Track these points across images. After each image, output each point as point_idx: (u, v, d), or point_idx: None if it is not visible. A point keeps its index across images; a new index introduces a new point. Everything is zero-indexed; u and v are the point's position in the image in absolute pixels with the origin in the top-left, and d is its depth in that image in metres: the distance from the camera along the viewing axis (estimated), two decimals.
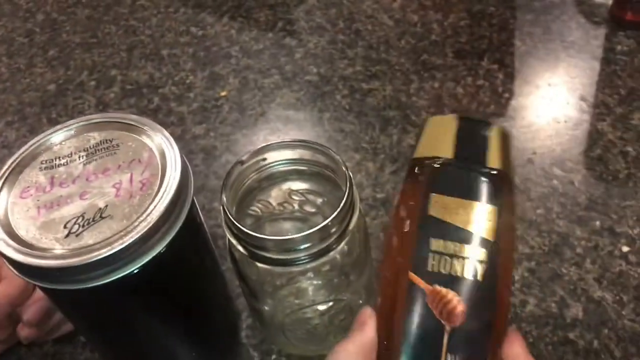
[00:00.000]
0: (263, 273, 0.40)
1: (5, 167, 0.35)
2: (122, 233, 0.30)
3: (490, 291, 0.35)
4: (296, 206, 0.42)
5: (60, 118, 0.69)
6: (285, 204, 0.43)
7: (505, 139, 0.35)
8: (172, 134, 0.36)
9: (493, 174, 0.34)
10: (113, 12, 0.82)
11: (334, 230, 0.36)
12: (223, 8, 0.81)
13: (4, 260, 0.32)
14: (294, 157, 0.41)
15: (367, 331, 0.33)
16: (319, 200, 0.42)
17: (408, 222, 0.36)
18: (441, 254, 0.35)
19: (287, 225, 0.42)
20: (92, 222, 0.31)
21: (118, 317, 0.37)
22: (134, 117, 0.37)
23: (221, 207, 0.37)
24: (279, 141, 0.41)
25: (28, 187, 0.34)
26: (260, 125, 0.65)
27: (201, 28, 0.78)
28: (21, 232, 0.31)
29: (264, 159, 0.41)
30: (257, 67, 0.72)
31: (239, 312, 0.49)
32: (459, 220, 0.35)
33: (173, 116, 0.67)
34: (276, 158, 0.41)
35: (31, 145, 0.36)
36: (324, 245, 0.36)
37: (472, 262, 0.35)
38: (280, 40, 0.75)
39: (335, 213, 0.36)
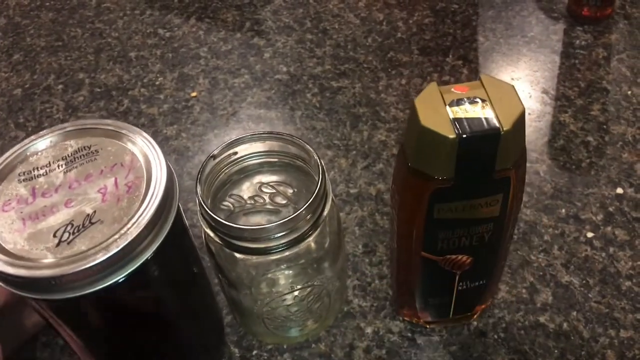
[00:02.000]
0: (240, 263, 0.41)
1: None
2: (116, 236, 0.30)
3: (494, 246, 0.39)
4: (267, 199, 0.43)
5: (28, 122, 0.68)
6: (256, 197, 0.44)
7: (519, 128, 0.33)
8: None
9: (501, 177, 0.35)
10: (78, 15, 0.82)
11: (308, 217, 0.37)
12: (190, 9, 0.81)
13: None
14: (265, 149, 0.42)
15: None
16: (290, 192, 0.43)
17: (415, 220, 0.38)
18: (449, 238, 0.37)
19: (259, 218, 0.43)
20: (82, 229, 0.31)
21: (111, 322, 0.36)
22: (109, 121, 0.37)
23: (197, 199, 0.38)
24: (250, 134, 0.41)
25: (9, 200, 0.33)
26: (232, 124, 0.66)
27: (168, 30, 0.78)
28: (9, 246, 0.31)
29: (235, 153, 0.42)
30: (227, 68, 0.72)
31: (221, 309, 0.50)
32: (465, 214, 0.36)
33: (144, 118, 0.67)
34: (247, 151, 0.42)
35: (6, 158, 0.35)
36: (298, 233, 0.37)
37: (479, 234, 0.38)
38: (249, 40, 0.76)
39: (310, 201, 0.37)
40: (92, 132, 0.36)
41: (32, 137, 0.36)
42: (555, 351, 0.47)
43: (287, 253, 0.39)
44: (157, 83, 0.71)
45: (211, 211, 0.37)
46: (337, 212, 0.43)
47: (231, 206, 0.43)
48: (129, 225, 0.31)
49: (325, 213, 0.39)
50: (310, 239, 0.39)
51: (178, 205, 0.35)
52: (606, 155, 0.59)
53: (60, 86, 0.72)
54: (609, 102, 0.64)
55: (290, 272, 0.42)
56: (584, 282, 0.50)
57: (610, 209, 0.55)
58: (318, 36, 0.75)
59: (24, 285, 0.30)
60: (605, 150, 0.60)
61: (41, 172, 0.34)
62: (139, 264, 0.31)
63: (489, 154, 0.33)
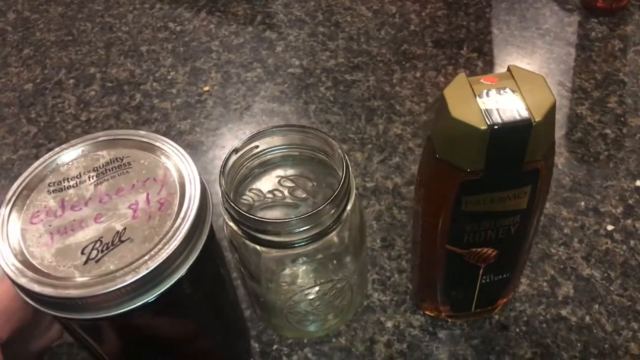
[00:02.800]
0: (263, 257, 0.41)
1: (12, 191, 0.33)
2: (146, 257, 0.29)
3: (519, 239, 0.39)
4: (286, 193, 0.43)
5: (40, 117, 0.68)
6: (276, 191, 0.43)
7: (549, 119, 0.33)
8: (156, 131, 0.35)
9: (530, 169, 0.34)
10: (87, 10, 0.81)
11: (332, 212, 0.36)
12: (199, 3, 0.80)
13: (19, 290, 0.30)
14: (286, 142, 0.42)
15: None
16: (310, 185, 0.43)
17: (441, 213, 0.37)
18: (475, 231, 0.37)
19: (277, 212, 0.43)
20: (112, 247, 0.30)
21: (138, 340, 0.35)
22: (143, 132, 0.35)
23: (220, 193, 0.37)
24: (272, 127, 0.41)
25: (38, 212, 0.32)
26: (246, 119, 0.65)
27: (179, 23, 0.78)
28: (36, 262, 0.30)
29: (257, 146, 0.41)
30: (239, 61, 0.72)
31: (247, 326, 0.49)
32: (493, 207, 0.36)
33: (156, 112, 0.67)
34: (269, 144, 0.41)
35: (37, 167, 0.34)
36: (322, 227, 0.37)
37: (505, 227, 0.37)
38: (260, 33, 0.75)
39: (334, 195, 0.36)
40: (125, 142, 0.35)
41: (64, 145, 0.35)
42: (578, 344, 0.46)
43: (310, 247, 0.38)
44: (169, 77, 0.71)
45: (235, 204, 0.37)
46: (359, 207, 0.43)
47: (251, 200, 0.43)
48: (160, 246, 0.29)
49: (349, 208, 0.39)
50: (334, 233, 0.39)
51: (211, 223, 0.33)
52: (625, 148, 0.59)
53: (71, 81, 0.72)
54: (626, 94, 0.64)
55: (313, 266, 0.42)
56: (605, 275, 0.50)
57: (630, 201, 0.55)
58: (330, 29, 0.74)
59: (50, 304, 0.29)
60: (624, 143, 0.59)
61: (71, 183, 0.33)
62: (168, 285, 0.30)
63: (519, 145, 0.33)
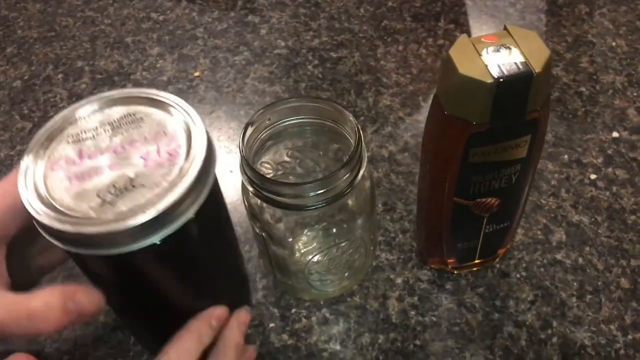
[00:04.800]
0: (284, 220, 0.43)
1: (34, 141, 0.36)
2: (155, 200, 0.32)
3: (519, 187, 0.43)
4: (296, 164, 0.45)
5: (34, 113, 0.68)
6: (285, 163, 0.46)
7: (547, 71, 0.36)
8: None
9: (530, 119, 0.38)
10: (67, 5, 0.82)
11: (346, 177, 0.39)
12: None
13: (41, 229, 0.33)
14: (297, 113, 0.44)
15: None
16: (318, 155, 0.45)
17: (449, 167, 0.40)
18: (481, 181, 0.40)
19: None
20: (125, 191, 0.33)
21: (144, 281, 0.38)
22: (154, 90, 0.38)
23: (240, 160, 0.40)
24: (284, 99, 0.43)
25: (58, 160, 0.35)
26: (240, 100, 0.67)
27: (161, 13, 0.79)
28: (57, 203, 0.33)
29: (269, 119, 0.44)
30: (225, 46, 0.73)
31: (247, 274, 0.52)
32: (497, 157, 0.39)
33: None
34: (281, 116, 0.44)
35: (56, 121, 0.37)
36: (336, 191, 0.39)
37: (507, 176, 0.41)
38: (243, 18, 0.77)
39: (347, 160, 0.39)
40: (137, 100, 0.38)
41: (82, 101, 0.38)
42: (574, 284, 0.50)
43: (326, 209, 0.41)
44: (157, 66, 0.72)
45: (255, 169, 0.39)
46: (370, 169, 0.45)
47: (263, 172, 0.45)
48: (168, 190, 0.32)
49: (362, 171, 0.41)
50: (349, 196, 0.41)
51: (215, 174, 0.36)
52: (599, 103, 0.63)
53: (60, 75, 0.72)
54: (595, 54, 0.68)
55: (332, 227, 0.45)
56: (593, 219, 0.54)
57: (609, 151, 0.59)
58: (311, 10, 0.77)
59: (68, 240, 0.32)
60: (598, 99, 0.64)
61: (88, 135, 0.36)
62: (176, 227, 0.33)
63: (522, 96, 0.36)
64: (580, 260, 0.52)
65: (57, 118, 0.37)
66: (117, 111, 0.37)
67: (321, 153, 0.47)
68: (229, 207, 0.57)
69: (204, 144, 0.35)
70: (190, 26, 0.77)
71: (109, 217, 0.31)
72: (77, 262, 0.36)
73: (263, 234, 0.44)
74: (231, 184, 0.59)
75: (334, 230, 0.45)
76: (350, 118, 0.42)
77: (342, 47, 0.72)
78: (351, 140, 0.42)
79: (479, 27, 0.73)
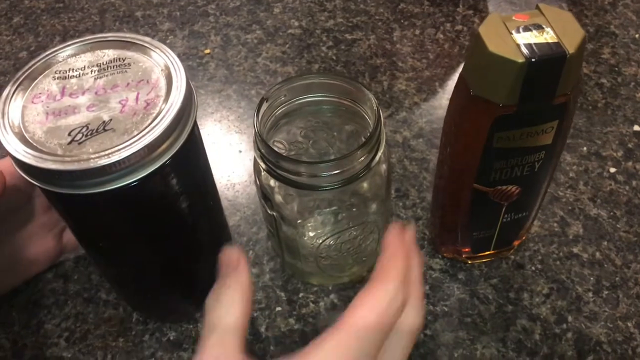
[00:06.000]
0: (298, 199, 0.41)
1: (21, 72, 0.36)
2: (120, 146, 0.32)
3: (542, 176, 0.41)
4: (309, 144, 0.43)
5: None
6: (297, 143, 0.44)
7: (580, 53, 0.34)
8: None
9: (559, 103, 0.36)
10: None
11: (362, 158, 0.37)
12: None
13: (11, 159, 0.33)
14: (314, 90, 0.42)
15: (241, 272, 0.33)
16: (332, 135, 0.44)
17: (471, 151, 0.39)
18: (503, 168, 0.38)
19: None
20: (95, 133, 0.33)
21: (111, 227, 0.38)
22: (147, 39, 0.38)
23: (254, 135, 0.38)
24: (301, 75, 0.42)
25: (40, 93, 0.35)
26: (250, 79, 0.66)
27: None
28: (28, 135, 0.33)
29: (285, 95, 0.42)
30: (237, 24, 0.72)
31: (231, 241, 0.51)
32: (522, 142, 0.37)
33: None
34: (298, 93, 0.42)
35: (47, 55, 0.37)
36: (352, 173, 0.38)
37: (530, 163, 0.39)
38: None
39: (365, 141, 0.37)
40: (129, 45, 0.37)
41: (76, 40, 0.38)
42: (591, 278, 0.49)
43: (340, 191, 0.39)
44: (167, 42, 0.70)
45: (269, 146, 0.37)
46: (387, 153, 0.44)
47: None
48: (135, 139, 0.32)
49: (379, 153, 0.40)
50: (364, 178, 0.40)
51: (193, 127, 0.35)
52: (620, 96, 0.61)
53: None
54: (618, 45, 0.66)
55: (344, 210, 0.43)
56: (612, 214, 0.53)
57: (630, 145, 0.57)
58: None
59: (33, 173, 0.32)
60: (619, 91, 0.62)
61: (75, 74, 0.36)
62: (138, 177, 0.33)
63: (553, 78, 0.34)
64: (598, 254, 0.50)
65: (48, 52, 0.37)
66: (108, 54, 0.37)
67: (335, 134, 0.45)
68: (236, 187, 0.55)
69: (180, 98, 0.34)
70: (202, 2, 0.75)
71: (73, 156, 0.32)
72: (45, 195, 0.36)
73: (274, 214, 0.43)
74: (240, 164, 0.58)
75: (347, 214, 0.44)
76: (370, 97, 0.40)
77: (357, 29, 0.70)
78: (369, 121, 0.41)
79: None
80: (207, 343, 0.31)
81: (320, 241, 0.44)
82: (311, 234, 0.44)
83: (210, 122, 0.62)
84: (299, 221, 0.43)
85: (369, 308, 0.30)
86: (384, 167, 0.43)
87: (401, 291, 0.31)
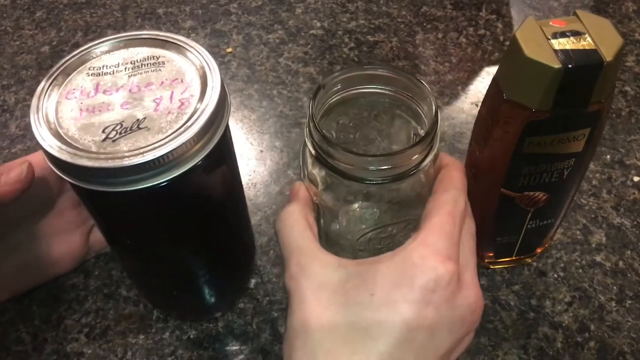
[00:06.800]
0: (342, 189, 0.41)
1: (55, 67, 0.36)
2: (154, 145, 0.32)
3: (570, 183, 0.40)
4: (356, 134, 0.43)
5: None
6: (345, 132, 0.43)
7: (618, 61, 0.34)
8: None
9: (592, 110, 0.36)
10: None
11: (415, 156, 0.37)
12: None
13: (44, 154, 0.33)
14: (369, 84, 0.42)
15: (301, 194, 0.40)
16: (382, 129, 0.43)
17: (501, 155, 0.38)
18: (532, 174, 0.38)
19: None
20: (129, 131, 0.33)
21: (140, 225, 0.38)
22: (182, 37, 0.38)
23: (308, 116, 0.38)
24: (362, 65, 0.41)
25: (74, 89, 0.35)
26: (272, 79, 0.65)
27: None
28: (62, 131, 0.33)
29: (342, 84, 0.41)
30: (260, 23, 0.72)
31: (254, 240, 0.51)
32: (553, 149, 0.37)
33: None
34: (355, 83, 0.41)
35: (82, 51, 0.37)
36: (403, 169, 0.37)
37: (559, 170, 0.39)
38: None
39: (421, 138, 0.36)
40: (164, 44, 0.37)
41: (110, 37, 0.38)
42: (614, 288, 0.48)
43: (389, 186, 0.39)
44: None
45: (322, 133, 0.37)
46: (438, 152, 0.43)
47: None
48: (169, 139, 0.32)
49: (432, 153, 0.39)
50: (413, 176, 0.39)
51: (226, 128, 0.36)
52: None
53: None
54: None
55: (390, 205, 0.43)
56: (635, 223, 0.52)
57: None
58: None
59: (66, 169, 0.32)
60: None
61: (109, 70, 0.36)
62: (172, 176, 0.33)
63: (588, 85, 0.34)
64: (621, 263, 0.50)
65: (84, 48, 0.37)
66: (142, 52, 0.37)
67: (384, 127, 0.44)
68: (258, 187, 0.56)
69: (215, 98, 0.34)
70: (225, 1, 0.75)
71: (108, 154, 0.32)
72: (75, 191, 0.36)
73: (317, 201, 0.42)
74: (262, 163, 0.58)
75: (390, 209, 0.43)
76: (430, 95, 0.39)
77: (380, 31, 0.70)
78: (424, 119, 0.40)
79: (521, 20, 0.70)
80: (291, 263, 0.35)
81: (361, 234, 0.43)
82: (352, 225, 0.43)
83: (231, 121, 0.61)
84: (341, 211, 0.43)
85: (449, 202, 0.36)
86: (432, 169, 0.43)
87: (464, 195, 0.37)
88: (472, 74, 0.65)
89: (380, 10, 0.72)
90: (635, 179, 0.55)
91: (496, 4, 0.72)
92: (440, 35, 0.69)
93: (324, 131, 0.43)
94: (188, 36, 0.69)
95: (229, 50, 0.69)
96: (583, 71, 0.33)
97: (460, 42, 0.68)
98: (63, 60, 0.36)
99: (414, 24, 0.70)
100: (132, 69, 0.36)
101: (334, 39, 0.69)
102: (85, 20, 0.74)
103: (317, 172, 0.41)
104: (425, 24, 0.70)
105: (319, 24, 0.71)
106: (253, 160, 0.58)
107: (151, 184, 0.32)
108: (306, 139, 0.39)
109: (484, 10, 0.71)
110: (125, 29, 0.72)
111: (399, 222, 0.43)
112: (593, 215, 0.53)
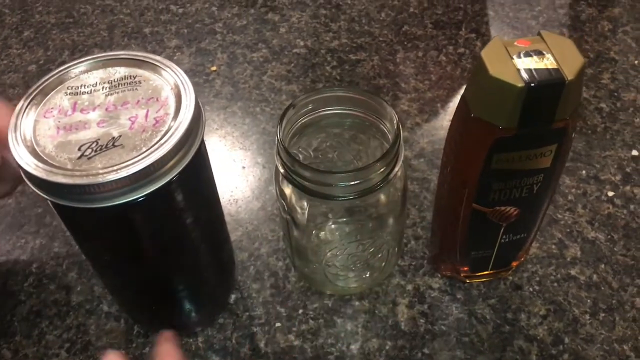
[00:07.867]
0: (311, 205, 0.42)
1: (34, 87, 0.37)
2: (128, 162, 0.32)
3: (540, 198, 0.41)
4: (334, 153, 0.44)
5: None
6: (322, 152, 0.45)
7: (580, 79, 0.35)
8: None
9: (558, 127, 0.37)
10: None
11: (381, 170, 0.38)
12: None
13: (22, 172, 0.34)
14: (338, 103, 0.43)
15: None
16: (356, 148, 0.44)
17: (471, 171, 0.39)
18: (502, 189, 0.39)
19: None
20: (105, 149, 0.34)
21: (117, 240, 0.39)
22: (158, 57, 0.39)
23: (276, 140, 0.39)
24: (328, 87, 0.42)
25: (52, 108, 0.36)
26: (256, 97, 0.67)
27: (180, 6, 0.79)
28: (39, 149, 0.34)
29: (311, 105, 0.43)
30: (244, 42, 0.73)
31: (233, 256, 0.51)
32: (521, 165, 0.38)
33: None
34: (322, 104, 0.43)
35: (60, 71, 0.38)
36: (369, 184, 0.38)
37: (529, 185, 0.40)
38: (263, 15, 0.76)
39: (384, 154, 0.38)
40: (140, 63, 0.38)
41: (88, 57, 0.38)
42: (588, 301, 0.49)
43: (356, 202, 0.40)
44: (175, 58, 0.71)
45: (289, 152, 0.38)
46: (404, 170, 0.44)
47: (300, 157, 0.44)
48: (143, 156, 0.33)
49: (397, 167, 0.40)
50: (380, 192, 0.40)
51: (200, 145, 0.36)
52: (619, 121, 0.62)
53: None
54: (617, 71, 0.67)
55: (356, 222, 0.44)
56: (609, 237, 0.53)
57: (628, 169, 0.58)
58: (332, 11, 0.76)
59: (42, 186, 0.33)
60: (618, 116, 0.63)
61: (87, 90, 0.37)
62: (145, 193, 0.33)
63: (552, 103, 0.35)
64: (595, 277, 0.51)
65: (62, 69, 0.38)
66: (119, 71, 0.38)
67: (361, 147, 0.46)
68: (239, 203, 0.56)
69: (189, 116, 0.35)
70: (210, 20, 0.76)
71: (82, 171, 0.32)
72: (53, 208, 0.37)
73: (287, 217, 0.43)
74: (244, 179, 0.59)
75: (359, 226, 0.44)
76: (391, 112, 0.41)
77: (362, 49, 0.71)
78: (389, 136, 0.42)
79: None
80: None
81: (329, 250, 0.44)
82: (321, 242, 0.44)
83: (215, 138, 0.63)
84: (310, 227, 0.43)
85: None
86: (400, 183, 0.44)
87: None
88: (451, 91, 0.66)
89: (363, 30, 0.74)
90: (610, 194, 0.56)
91: (476, 23, 0.74)
92: (420, 54, 0.70)
93: (298, 148, 0.44)
94: (173, 55, 0.71)
95: (214, 68, 0.70)
96: (545, 89, 0.34)
97: (440, 61, 0.69)
98: (42, 80, 0.37)
99: (395, 42, 0.72)
100: (109, 88, 0.37)
101: (316, 57, 0.71)
102: (73, 39, 0.75)
103: (286, 189, 0.42)
104: (406, 43, 0.71)
105: (302, 43, 0.72)
106: (235, 177, 0.59)
107: (126, 200, 0.33)
108: (275, 158, 0.40)
109: (463, 29, 0.73)
110: (112, 48, 0.73)
111: (366, 239, 0.44)
112: (568, 230, 0.54)
